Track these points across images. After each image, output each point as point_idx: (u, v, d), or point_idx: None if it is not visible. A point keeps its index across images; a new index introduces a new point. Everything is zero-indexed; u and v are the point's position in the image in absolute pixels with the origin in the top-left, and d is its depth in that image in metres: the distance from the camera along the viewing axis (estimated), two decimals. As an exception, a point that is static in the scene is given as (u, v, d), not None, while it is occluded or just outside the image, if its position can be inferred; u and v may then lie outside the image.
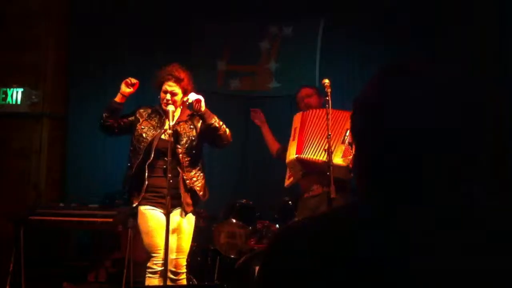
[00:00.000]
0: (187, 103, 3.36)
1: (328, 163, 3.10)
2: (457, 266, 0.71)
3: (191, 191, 3.33)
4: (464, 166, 0.78)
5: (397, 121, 0.79)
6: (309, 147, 3.58)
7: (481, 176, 0.79)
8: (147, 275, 3.22)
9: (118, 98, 3.36)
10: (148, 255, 3.25)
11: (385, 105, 0.81)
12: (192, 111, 3.38)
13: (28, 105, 4.94)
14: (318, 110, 3.71)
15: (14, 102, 4.93)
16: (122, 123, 3.41)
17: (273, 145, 4.12)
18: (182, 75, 3.38)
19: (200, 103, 3.27)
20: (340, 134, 3.51)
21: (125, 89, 3.36)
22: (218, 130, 3.36)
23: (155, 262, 3.19)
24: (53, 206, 4.41)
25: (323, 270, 0.73)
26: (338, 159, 3.37)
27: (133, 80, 3.36)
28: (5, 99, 4.92)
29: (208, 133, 3.41)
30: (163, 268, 3.14)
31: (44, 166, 5.07)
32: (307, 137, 3.62)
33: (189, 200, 3.32)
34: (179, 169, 3.29)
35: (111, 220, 4.16)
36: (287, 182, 3.77)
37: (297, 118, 3.83)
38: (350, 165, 3.37)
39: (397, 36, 5.11)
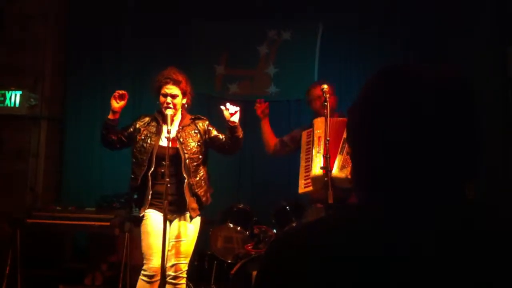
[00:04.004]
0: (229, 115, 3.29)
1: (327, 168, 3.08)
2: (455, 265, 0.71)
3: (196, 196, 3.32)
4: (461, 167, 0.79)
5: (394, 122, 0.79)
6: (334, 163, 3.39)
7: (476, 176, 0.80)
8: (140, 277, 3.19)
9: (110, 115, 3.32)
10: (143, 257, 3.24)
11: (382, 106, 0.81)
12: (227, 122, 3.33)
13: (27, 108, 4.93)
14: (339, 119, 3.49)
15: (12, 105, 4.92)
16: (122, 137, 3.38)
17: (271, 140, 4.02)
18: (180, 77, 3.37)
19: (236, 115, 3.30)
20: (339, 143, 3.42)
21: (115, 104, 3.30)
22: (240, 142, 3.42)
23: (150, 266, 3.18)
24: (50, 209, 4.41)
25: (321, 274, 0.73)
26: (336, 171, 3.29)
27: (121, 92, 3.30)
28: (3, 101, 4.91)
29: (218, 142, 3.43)
30: (155, 273, 3.14)
31: (42, 168, 5.06)
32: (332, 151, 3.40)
33: (194, 205, 3.31)
34: (185, 174, 3.26)
35: (108, 223, 4.17)
36: (303, 190, 3.55)
37: (319, 124, 3.53)
38: (349, 176, 3.33)
39: (396, 39, 5.12)
